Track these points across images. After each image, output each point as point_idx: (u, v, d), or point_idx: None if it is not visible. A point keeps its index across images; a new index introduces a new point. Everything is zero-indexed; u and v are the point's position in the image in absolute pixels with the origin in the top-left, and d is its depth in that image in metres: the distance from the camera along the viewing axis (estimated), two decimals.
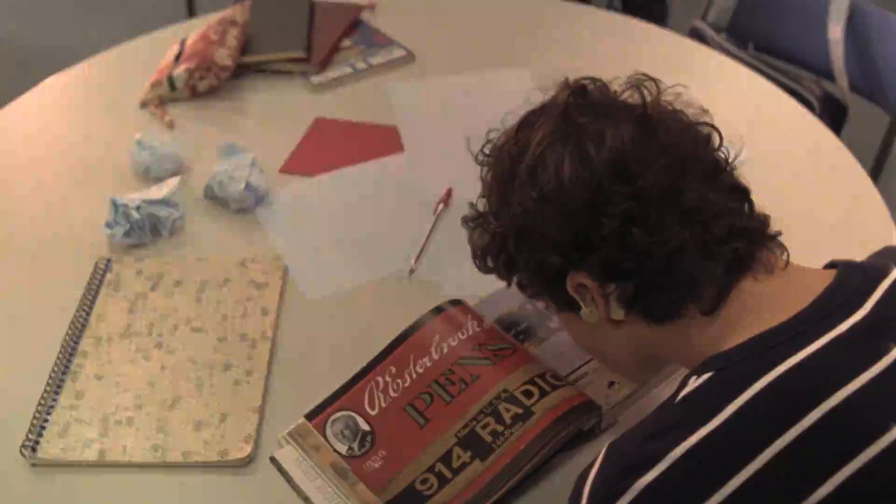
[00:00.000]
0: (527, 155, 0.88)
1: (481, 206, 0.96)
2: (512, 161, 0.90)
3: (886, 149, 1.96)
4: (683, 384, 0.82)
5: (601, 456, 0.81)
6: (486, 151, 0.97)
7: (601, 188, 0.83)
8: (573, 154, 0.85)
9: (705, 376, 0.80)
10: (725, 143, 0.89)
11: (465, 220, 0.99)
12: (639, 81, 0.90)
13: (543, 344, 1.15)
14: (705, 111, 0.91)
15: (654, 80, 0.90)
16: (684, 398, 0.80)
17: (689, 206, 0.83)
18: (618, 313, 0.88)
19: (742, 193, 0.88)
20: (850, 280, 0.84)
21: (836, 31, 1.95)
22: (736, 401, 0.75)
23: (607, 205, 0.83)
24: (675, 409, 0.80)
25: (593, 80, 0.93)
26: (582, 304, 0.90)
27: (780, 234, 0.88)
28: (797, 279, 0.86)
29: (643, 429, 0.80)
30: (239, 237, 1.36)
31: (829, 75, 2.03)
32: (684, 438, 0.75)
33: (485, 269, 0.98)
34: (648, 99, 0.89)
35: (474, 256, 0.99)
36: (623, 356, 0.96)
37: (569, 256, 0.87)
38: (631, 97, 0.90)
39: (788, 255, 0.88)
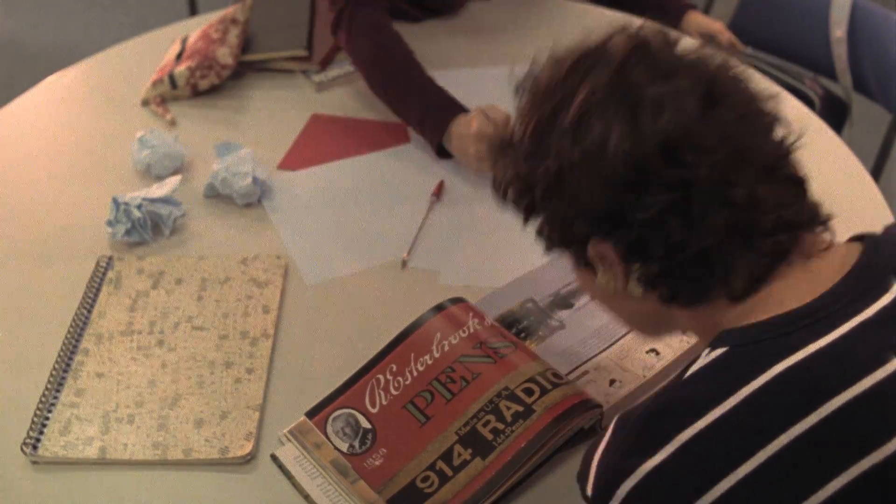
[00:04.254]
0: (572, 106, 0.79)
1: (517, 131, 0.87)
2: (554, 107, 0.82)
3: (887, 148, 1.96)
4: (695, 360, 0.78)
5: (610, 429, 0.77)
6: (527, 86, 0.88)
7: (647, 169, 0.76)
8: (623, 122, 0.77)
9: (719, 351, 0.76)
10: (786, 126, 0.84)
11: (493, 147, 0.91)
12: (711, 38, 0.83)
13: (544, 342, 1.15)
14: (773, 95, 0.84)
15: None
16: (696, 374, 0.76)
17: (738, 201, 0.77)
18: (636, 290, 0.83)
19: (798, 184, 0.82)
20: (878, 258, 0.79)
21: (838, 30, 1.95)
22: (751, 384, 0.72)
23: (649, 188, 0.77)
24: (685, 386, 0.76)
25: (658, 30, 0.84)
26: (600, 271, 0.85)
27: (830, 218, 0.83)
28: (825, 257, 0.81)
29: (653, 405, 0.76)
30: (242, 233, 1.37)
31: (829, 73, 2.03)
32: (693, 421, 0.71)
33: (502, 200, 0.91)
34: (717, 62, 0.81)
35: (495, 185, 0.91)
36: (637, 320, 0.92)
37: (596, 225, 0.81)
38: (698, 56, 0.81)
39: (832, 239, 0.82)
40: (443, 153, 1.52)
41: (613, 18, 1.97)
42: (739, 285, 0.79)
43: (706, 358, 0.76)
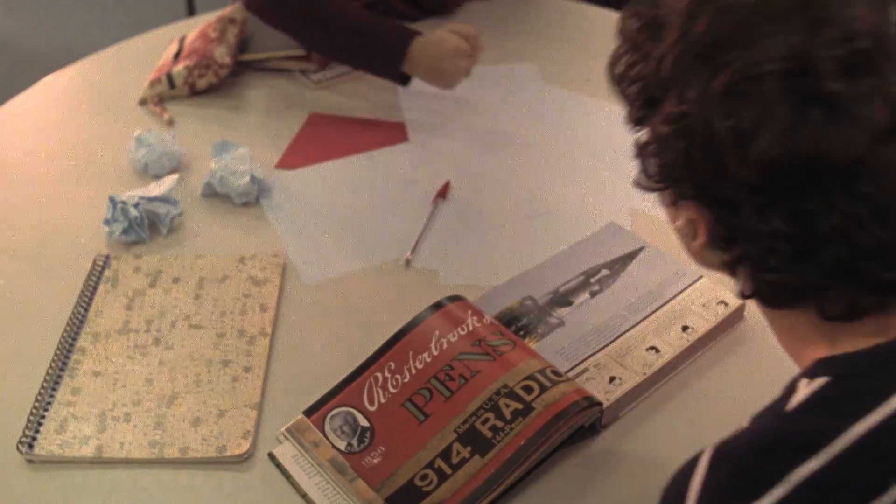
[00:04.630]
0: (736, 65, 0.68)
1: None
2: (706, 53, 0.70)
3: None
4: (792, 388, 0.71)
5: (705, 463, 0.69)
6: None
7: (790, 184, 0.67)
8: (801, 120, 0.66)
9: (820, 381, 0.69)
10: None
11: (641, 25, 0.78)
12: None
13: (544, 339, 1.14)
14: None
15: None
16: (803, 406, 0.68)
17: (864, 247, 0.68)
18: (711, 258, 0.77)
19: None
20: None
21: None
22: (868, 418, 0.64)
23: (778, 203, 0.68)
24: (791, 419, 0.68)
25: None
26: (683, 220, 0.78)
27: None
28: None
29: (757, 439, 0.68)
30: (240, 232, 1.36)
31: None
32: (807, 458, 0.64)
33: (615, 85, 0.80)
34: None
35: (614, 67, 0.80)
36: (705, 262, 0.82)
37: (702, 196, 0.73)
38: None
39: None
40: (403, 80, 1.59)
41: (611, 17, 1.96)
42: (836, 312, 0.72)
43: (808, 388, 0.69)
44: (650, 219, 1.36)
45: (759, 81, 0.67)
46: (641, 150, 0.78)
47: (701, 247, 0.78)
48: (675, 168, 0.74)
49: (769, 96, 0.66)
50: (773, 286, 0.74)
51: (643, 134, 0.78)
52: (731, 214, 0.71)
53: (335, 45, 1.62)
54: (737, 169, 0.68)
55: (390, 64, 1.56)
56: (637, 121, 0.79)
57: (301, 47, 1.68)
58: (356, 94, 1.69)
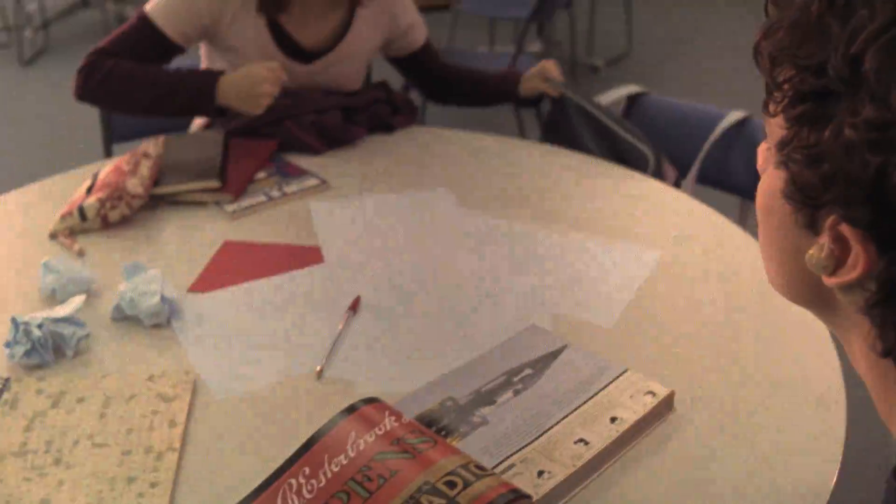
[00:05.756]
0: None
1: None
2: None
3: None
4: None
5: None
6: None
7: None
8: None
9: None
10: None
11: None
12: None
13: (466, 438, 1.09)
14: None
15: None
16: None
17: None
18: (844, 303, 0.65)
19: None
20: None
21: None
22: None
23: None
24: None
25: None
26: (816, 241, 0.64)
27: None
28: None
29: None
30: (149, 352, 1.30)
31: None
32: None
33: (765, 63, 0.65)
34: None
35: (766, 42, 0.65)
36: (793, 282, 0.70)
37: (882, 224, 0.58)
38: None
39: None
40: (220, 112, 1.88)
41: (490, 144, 2.01)
42: None
43: None
44: (571, 322, 1.35)
45: None
46: (797, 151, 0.62)
47: (844, 284, 0.62)
48: (855, 186, 0.58)
49: None
50: None
51: (801, 132, 0.61)
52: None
53: (160, 104, 1.86)
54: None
55: (205, 101, 1.85)
56: (806, 119, 0.61)
57: (137, 115, 1.94)
58: (271, 222, 1.68)
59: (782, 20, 0.62)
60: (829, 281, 0.63)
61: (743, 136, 2.05)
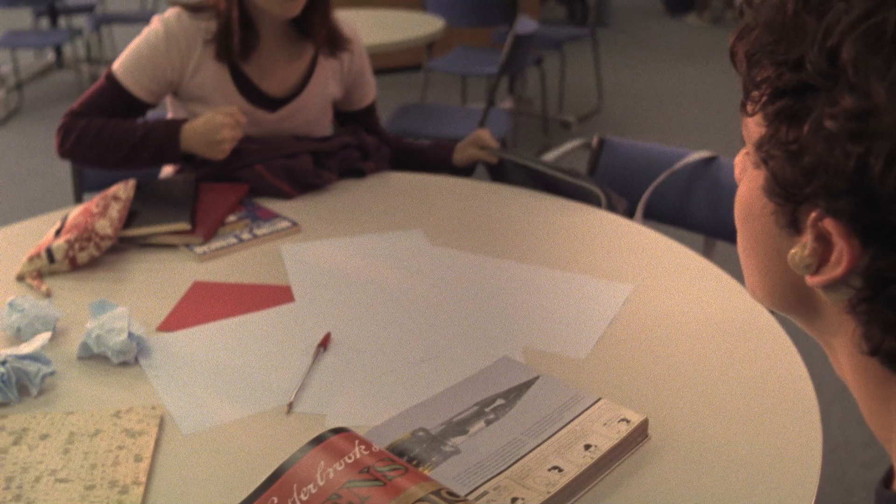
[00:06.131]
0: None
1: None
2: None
3: None
4: None
5: None
6: None
7: None
8: None
9: None
10: None
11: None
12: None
13: (438, 467, 1.08)
14: None
15: None
16: None
17: None
18: (832, 295, 0.62)
19: None
20: None
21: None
22: None
23: None
24: None
25: None
26: (798, 241, 0.63)
27: None
28: None
29: None
30: (116, 390, 1.28)
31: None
32: None
33: (742, 64, 0.65)
34: None
35: (741, 42, 0.65)
36: (774, 285, 0.69)
37: (865, 216, 0.57)
38: None
39: None
40: (187, 158, 1.94)
41: (461, 186, 2.01)
42: None
43: None
44: (544, 354, 1.34)
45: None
46: (776, 147, 0.61)
47: (828, 282, 0.61)
48: (837, 177, 0.57)
49: None
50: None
51: (780, 128, 0.61)
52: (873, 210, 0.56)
53: (131, 157, 1.91)
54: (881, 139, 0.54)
55: (171, 150, 1.90)
56: (785, 115, 0.61)
57: (113, 170, 1.95)
58: (241, 264, 1.67)
59: (757, 19, 0.63)
60: (813, 280, 0.62)
61: (708, 176, 2.07)
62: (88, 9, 6.82)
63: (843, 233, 0.58)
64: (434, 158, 2.17)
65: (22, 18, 7.44)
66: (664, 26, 8.86)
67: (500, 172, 2.10)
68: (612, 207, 1.93)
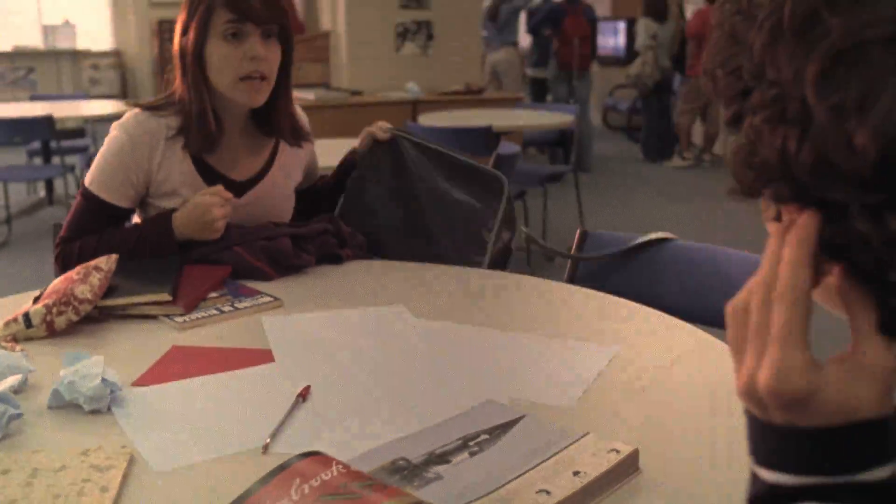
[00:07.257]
0: (835, 34, 0.56)
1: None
2: (801, 27, 0.58)
3: None
4: None
5: None
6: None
7: None
8: None
9: None
10: None
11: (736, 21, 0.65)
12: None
13: (419, 491, 1.03)
14: None
15: None
16: None
17: None
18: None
19: None
20: None
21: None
22: None
23: None
24: None
25: None
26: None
27: None
28: None
29: None
30: (86, 435, 1.23)
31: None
32: None
33: (711, 83, 0.68)
34: None
35: (709, 64, 0.68)
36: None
37: (803, 195, 0.60)
38: None
39: None
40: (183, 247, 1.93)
41: (443, 270, 2.00)
42: None
43: None
44: (529, 403, 1.30)
45: (864, 49, 0.55)
46: (737, 154, 0.65)
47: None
48: (772, 167, 0.60)
49: (878, 66, 0.54)
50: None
51: (736, 134, 0.65)
52: (839, 218, 0.58)
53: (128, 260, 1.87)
54: (842, 159, 0.56)
55: (168, 242, 1.91)
56: (734, 119, 0.65)
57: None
58: (222, 332, 1.64)
59: (717, 40, 0.67)
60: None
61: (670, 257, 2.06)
62: (82, 150, 6.93)
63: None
64: (346, 161, 2.29)
65: (17, 157, 7.58)
66: (643, 169, 9.06)
67: (400, 166, 2.21)
68: (510, 198, 2.10)
